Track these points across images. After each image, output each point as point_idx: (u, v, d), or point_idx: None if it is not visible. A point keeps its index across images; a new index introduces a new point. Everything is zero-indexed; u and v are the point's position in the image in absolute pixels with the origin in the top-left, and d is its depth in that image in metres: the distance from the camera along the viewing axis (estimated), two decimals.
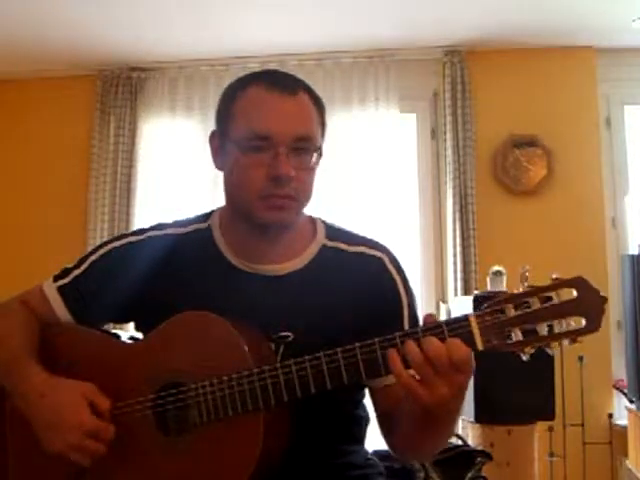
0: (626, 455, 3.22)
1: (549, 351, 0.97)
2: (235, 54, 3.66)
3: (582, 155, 3.55)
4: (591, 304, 0.95)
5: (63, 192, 3.80)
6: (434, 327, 0.98)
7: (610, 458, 3.33)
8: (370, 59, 3.64)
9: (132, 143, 3.74)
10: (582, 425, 3.22)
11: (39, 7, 3.14)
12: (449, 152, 3.53)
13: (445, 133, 3.57)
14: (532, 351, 0.97)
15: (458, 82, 3.55)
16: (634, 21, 3.30)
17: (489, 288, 3.01)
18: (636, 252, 3.20)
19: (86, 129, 3.79)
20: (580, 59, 3.58)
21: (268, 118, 1.14)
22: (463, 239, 3.45)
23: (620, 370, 3.36)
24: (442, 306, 3.52)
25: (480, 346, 0.97)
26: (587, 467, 3.22)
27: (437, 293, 3.60)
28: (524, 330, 0.96)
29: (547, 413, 2.75)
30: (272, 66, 3.52)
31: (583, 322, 0.95)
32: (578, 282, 0.96)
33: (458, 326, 0.98)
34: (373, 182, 3.55)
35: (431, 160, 3.70)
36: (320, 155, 1.19)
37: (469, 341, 0.97)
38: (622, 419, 3.36)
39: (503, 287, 2.96)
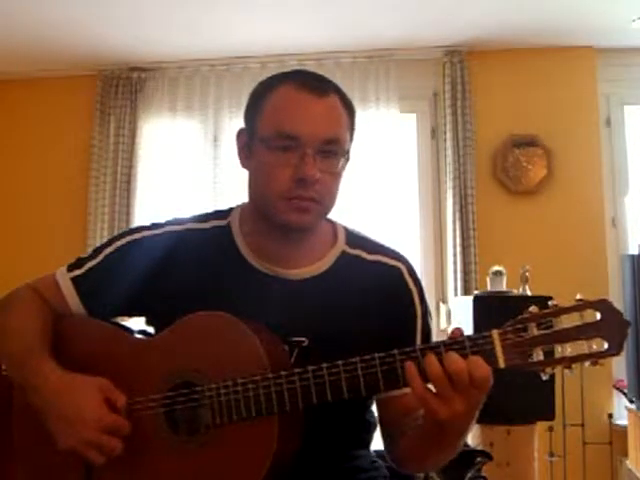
0: (626, 455, 3.22)
1: (569, 372, 0.97)
2: (235, 54, 3.66)
3: (582, 155, 3.55)
4: (614, 328, 0.95)
5: (63, 192, 3.80)
6: (456, 342, 0.98)
7: (610, 458, 3.33)
8: (370, 59, 3.64)
9: (132, 143, 3.74)
10: (582, 425, 3.22)
11: (39, 7, 3.14)
12: (449, 152, 3.54)
13: (445, 133, 3.58)
14: (552, 371, 0.97)
15: (458, 82, 3.55)
16: (634, 21, 3.30)
17: (489, 288, 3.01)
18: (636, 252, 3.20)
19: (86, 129, 3.79)
20: (580, 59, 3.58)
21: (297, 118, 1.12)
22: (463, 239, 3.45)
23: (620, 370, 3.36)
24: (442, 306, 3.52)
25: (502, 364, 0.97)
26: (587, 467, 3.23)
27: (437, 293, 3.60)
28: (546, 350, 0.96)
29: (547, 413, 2.75)
30: (272, 66, 3.53)
31: (605, 345, 0.95)
32: (602, 304, 0.96)
33: (480, 343, 0.97)
34: (373, 182, 3.54)
35: (431, 160, 3.70)
36: (347, 160, 1.18)
37: (491, 358, 0.96)
38: (622, 419, 3.36)
39: (503, 287, 2.96)
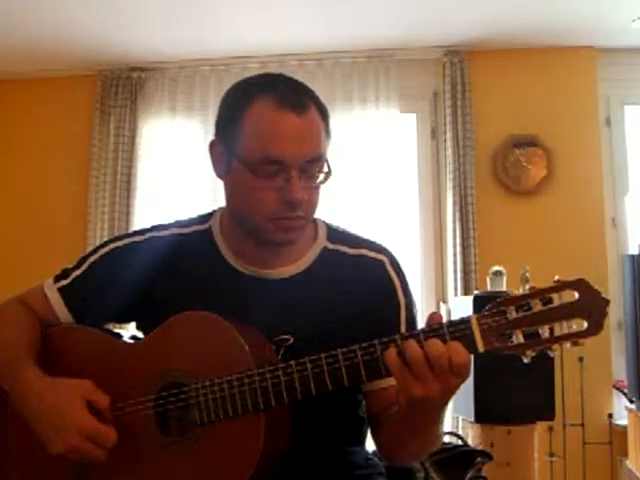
0: (626, 455, 3.22)
1: (550, 353, 0.97)
2: (235, 54, 3.66)
3: (582, 155, 3.55)
4: (593, 306, 0.94)
5: (63, 192, 3.80)
6: (435, 329, 0.98)
7: (610, 458, 3.33)
8: (370, 59, 3.64)
9: (132, 143, 3.74)
10: (582, 425, 3.22)
11: (39, 7, 3.14)
12: (449, 152, 3.53)
13: (445, 133, 3.57)
14: (533, 354, 0.96)
15: (458, 82, 3.55)
16: (634, 21, 3.30)
17: (489, 288, 3.01)
18: (636, 252, 3.20)
19: (86, 129, 3.79)
20: (580, 59, 3.58)
21: (282, 143, 1.10)
22: (463, 239, 3.45)
23: (620, 370, 3.36)
24: (442, 306, 3.52)
25: (481, 348, 0.97)
26: (587, 467, 3.23)
27: (437, 293, 3.60)
28: (525, 332, 0.96)
29: (547, 413, 2.75)
30: (272, 66, 3.53)
31: (585, 325, 0.94)
32: (580, 284, 0.95)
33: (459, 328, 0.97)
34: (373, 182, 3.54)
35: (431, 160, 3.70)
36: (328, 173, 1.17)
37: (470, 343, 0.96)
38: (622, 419, 3.36)
39: (503, 287, 2.96)
